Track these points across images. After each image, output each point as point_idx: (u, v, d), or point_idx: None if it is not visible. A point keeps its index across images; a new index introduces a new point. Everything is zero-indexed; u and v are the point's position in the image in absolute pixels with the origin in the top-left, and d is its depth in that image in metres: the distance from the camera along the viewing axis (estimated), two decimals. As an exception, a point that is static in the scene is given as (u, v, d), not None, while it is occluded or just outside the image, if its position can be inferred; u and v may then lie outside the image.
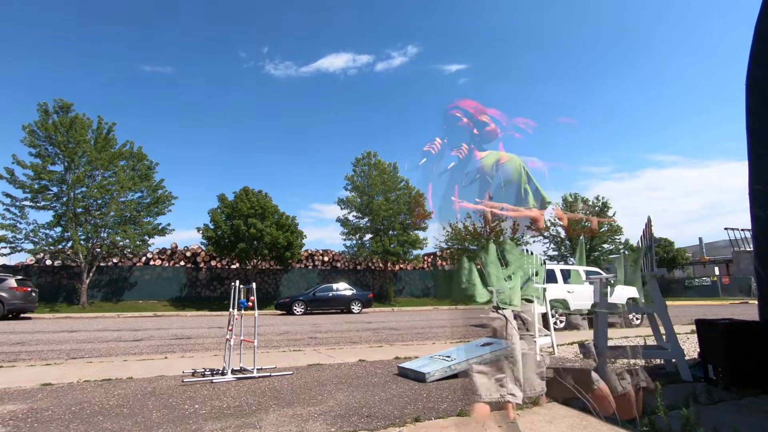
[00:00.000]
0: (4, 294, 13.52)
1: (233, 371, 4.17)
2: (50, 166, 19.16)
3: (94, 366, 4.84)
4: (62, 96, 22.71)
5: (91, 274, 19.84)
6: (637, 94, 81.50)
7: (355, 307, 18.55)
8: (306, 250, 26.42)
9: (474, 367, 2.18)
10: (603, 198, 30.96)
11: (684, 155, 78.86)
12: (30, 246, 18.90)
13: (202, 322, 13.50)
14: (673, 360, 3.85)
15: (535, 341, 5.05)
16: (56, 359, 5.53)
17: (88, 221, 19.67)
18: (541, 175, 2.41)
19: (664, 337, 4.05)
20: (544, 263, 5.62)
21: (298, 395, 3.38)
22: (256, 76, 67.13)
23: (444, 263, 30.32)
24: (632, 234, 38.10)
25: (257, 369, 4.27)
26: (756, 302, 3.92)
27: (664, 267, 34.78)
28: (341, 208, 26.36)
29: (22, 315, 14.97)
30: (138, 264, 22.97)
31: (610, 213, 30.66)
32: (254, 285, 4.73)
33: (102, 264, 21.35)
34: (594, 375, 2.26)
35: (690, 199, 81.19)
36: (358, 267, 27.65)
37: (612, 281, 4.20)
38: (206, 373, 4.20)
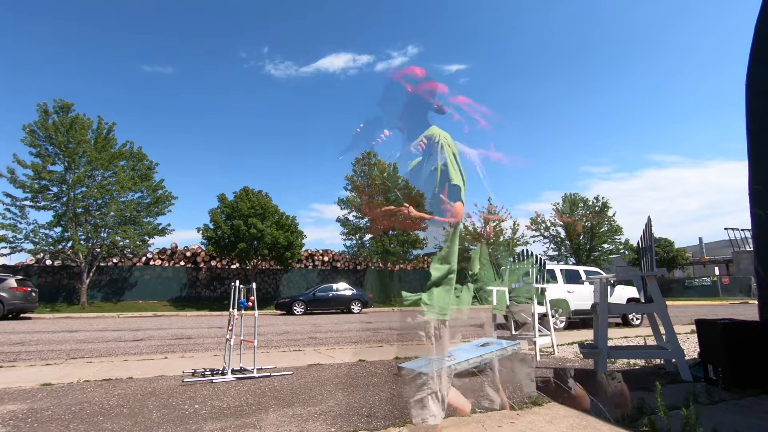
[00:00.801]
0: (4, 294, 13.52)
1: (233, 371, 4.17)
2: (50, 166, 19.18)
3: (94, 366, 4.84)
4: (62, 96, 22.76)
5: (91, 274, 19.85)
6: (638, 93, 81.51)
7: (355, 307, 18.55)
8: (306, 250, 26.42)
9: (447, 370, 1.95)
10: (603, 198, 30.97)
11: (684, 155, 78.91)
12: (30, 246, 18.92)
13: (202, 322, 13.49)
14: (673, 360, 3.85)
15: (535, 341, 5.05)
16: (56, 359, 5.53)
17: (88, 221, 19.68)
18: (471, 166, 1.99)
19: (664, 337, 4.05)
20: (545, 263, 5.62)
21: (298, 395, 3.37)
22: (256, 76, 67.15)
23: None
24: (632, 234, 38.08)
25: (257, 369, 4.27)
26: (756, 302, 3.92)
27: (664, 267, 34.75)
28: (341, 208, 26.39)
29: (22, 315, 14.97)
30: (138, 264, 22.97)
31: (610, 213, 30.64)
32: (254, 285, 4.73)
33: (102, 264, 21.35)
34: (600, 375, 2.17)
35: (690, 199, 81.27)
36: (358, 267, 27.64)
37: (612, 281, 4.20)
38: (206, 373, 4.20)
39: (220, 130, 67.47)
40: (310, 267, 26.75)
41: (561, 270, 10.43)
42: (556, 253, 31.48)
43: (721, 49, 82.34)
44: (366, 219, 25.78)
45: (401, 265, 27.60)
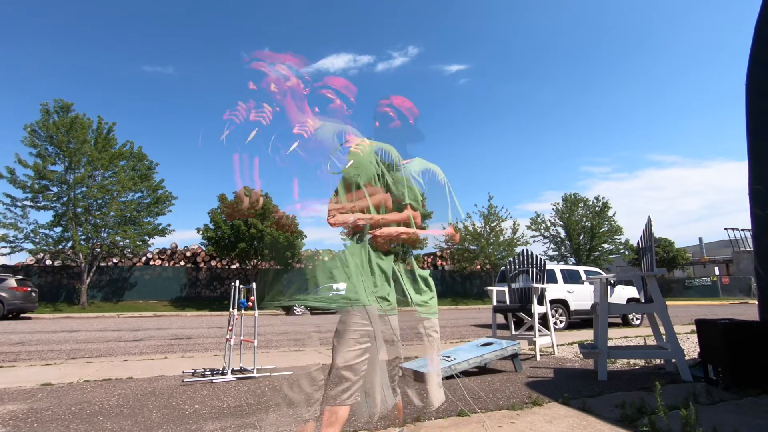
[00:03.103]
0: (4, 294, 13.52)
1: (233, 371, 4.17)
2: (51, 166, 19.18)
3: (94, 366, 4.84)
4: (62, 96, 22.77)
5: (91, 274, 19.85)
6: (638, 94, 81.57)
7: (355, 307, 18.52)
8: (306, 250, 26.43)
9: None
10: (603, 198, 30.96)
11: (684, 155, 79.01)
12: (30, 246, 18.91)
13: (202, 322, 13.49)
14: (673, 360, 3.85)
15: (535, 341, 5.05)
16: (56, 359, 5.53)
17: (88, 221, 19.68)
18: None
19: (664, 337, 4.05)
20: (545, 263, 5.62)
21: (298, 395, 3.37)
22: (257, 77, 67.13)
23: (444, 263, 30.31)
24: (632, 234, 38.13)
25: (257, 369, 4.27)
26: (756, 302, 3.92)
27: (664, 267, 34.77)
28: (341, 208, 26.35)
29: (22, 315, 14.97)
30: (138, 264, 22.97)
31: (610, 213, 30.63)
32: (254, 285, 4.73)
33: (102, 264, 21.35)
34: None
35: (690, 199, 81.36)
36: (358, 267, 27.63)
37: (612, 281, 4.20)
38: (206, 373, 4.20)
39: (220, 130, 67.44)
40: (311, 267, 26.76)
41: (561, 270, 10.43)
42: (556, 253, 31.47)
43: (722, 50, 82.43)
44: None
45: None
